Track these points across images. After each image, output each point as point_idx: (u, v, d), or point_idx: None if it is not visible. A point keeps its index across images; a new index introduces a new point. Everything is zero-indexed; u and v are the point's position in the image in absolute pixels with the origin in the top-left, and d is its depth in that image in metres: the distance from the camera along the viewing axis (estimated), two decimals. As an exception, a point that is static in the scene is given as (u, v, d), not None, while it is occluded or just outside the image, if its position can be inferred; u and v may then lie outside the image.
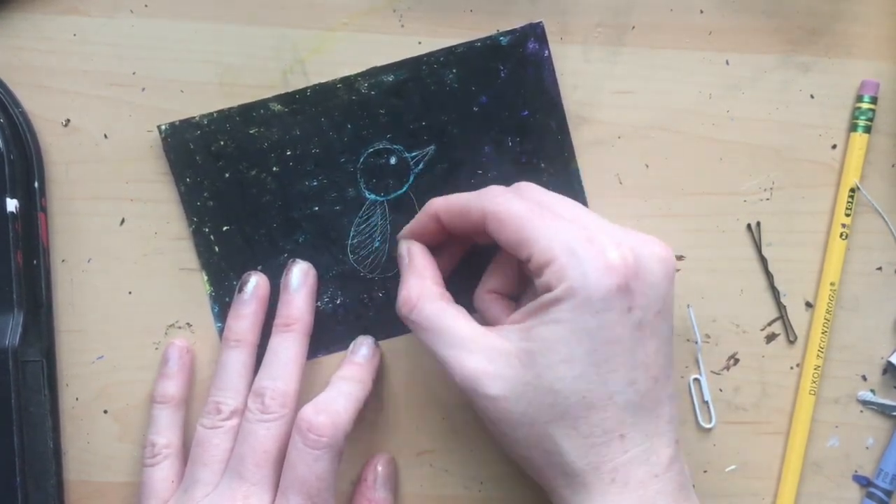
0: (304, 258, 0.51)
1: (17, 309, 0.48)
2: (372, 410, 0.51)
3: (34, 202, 0.49)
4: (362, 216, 0.51)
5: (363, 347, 0.50)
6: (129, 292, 0.51)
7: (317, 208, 0.51)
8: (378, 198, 0.51)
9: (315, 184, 0.51)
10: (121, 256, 0.51)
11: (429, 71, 0.51)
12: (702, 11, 0.51)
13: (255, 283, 0.50)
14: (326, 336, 0.51)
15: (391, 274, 0.51)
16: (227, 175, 0.51)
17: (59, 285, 0.51)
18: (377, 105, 0.51)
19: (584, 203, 0.51)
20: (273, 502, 0.46)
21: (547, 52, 0.51)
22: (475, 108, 0.51)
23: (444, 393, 0.51)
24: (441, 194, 0.48)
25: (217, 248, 0.51)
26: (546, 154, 0.51)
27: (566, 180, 0.51)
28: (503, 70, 0.51)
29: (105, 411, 0.51)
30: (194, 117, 0.50)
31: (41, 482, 0.49)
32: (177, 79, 0.51)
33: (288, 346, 0.48)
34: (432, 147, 0.51)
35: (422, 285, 0.47)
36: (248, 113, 0.50)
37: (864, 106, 0.51)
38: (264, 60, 0.51)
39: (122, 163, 0.51)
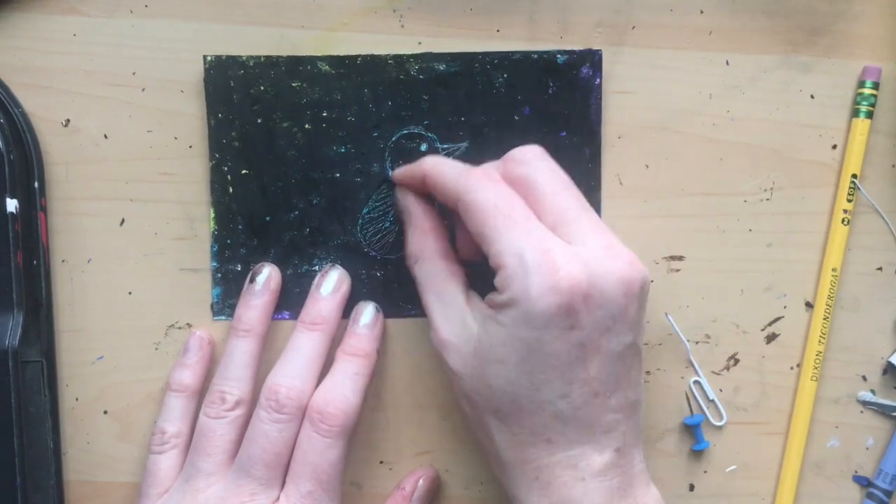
0: (314, 219, 0.51)
1: (17, 309, 0.48)
2: (372, 410, 0.51)
3: (34, 202, 0.49)
4: (380, 193, 0.51)
5: (365, 315, 0.50)
6: (129, 292, 0.51)
7: (338, 175, 0.51)
8: None
9: (343, 150, 0.51)
10: (121, 256, 0.51)
11: (481, 69, 0.51)
12: (702, 11, 0.51)
13: (268, 274, 0.50)
14: None
15: (394, 257, 0.51)
16: (259, 121, 0.51)
17: (59, 285, 0.51)
18: (422, 90, 0.51)
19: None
20: (278, 498, 0.46)
21: (599, 80, 0.51)
22: (516, 117, 0.51)
23: (445, 393, 0.51)
24: None
25: (231, 189, 0.51)
26: (574, 179, 0.50)
27: None
28: (552, 87, 0.51)
29: (105, 411, 0.51)
30: (241, 56, 0.50)
31: (41, 482, 0.49)
32: (177, 79, 0.51)
33: (312, 346, 0.48)
34: (465, 143, 0.51)
35: (422, 240, 0.48)
36: (295, 65, 0.50)
37: (867, 91, 0.51)
38: (264, 60, 0.51)
39: (122, 163, 0.51)
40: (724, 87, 0.52)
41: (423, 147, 0.51)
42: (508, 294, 0.43)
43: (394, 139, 0.51)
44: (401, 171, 0.50)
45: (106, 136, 0.51)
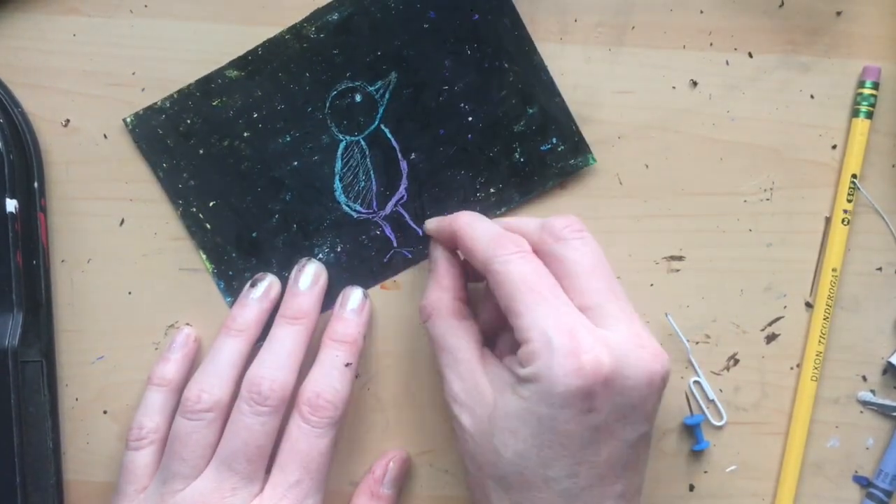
0: (295, 214, 0.51)
1: (16, 309, 0.48)
2: (372, 410, 0.51)
3: (34, 202, 0.49)
4: (342, 159, 0.51)
5: (352, 300, 0.50)
6: (129, 292, 0.51)
7: (296, 163, 0.51)
8: (352, 138, 0.51)
9: (288, 139, 0.51)
10: (121, 256, 0.51)
11: (370, 0, 0.50)
12: (702, 11, 0.51)
13: (269, 283, 0.50)
14: (334, 286, 0.51)
15: (385, 211, 0.51)
16: (200, 152, 0.51)
17: (59, 285, 0.51)
18: (329, 46, 0.50)
19: (556, 92, 0.51)
20: (261, 490, 0.46)
21: None
22: (426, 25, 0.50)
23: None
24: (413, 119, 0.49)
25: (209, 225, 0.51)
26: (507, 53, 0.50)
27: (533, 75, 0.51)
28: None
29: (105, 411, 0.51)
30: (156, 103, 0.50)
31: (41, 482, 0.49)
32: (177, 79, 0.51)
33: (293, 339, 0.48)
34: (393, 74, 0.51)
35: (438, 298, 0.47)
36: (207, 85, 0.50)
37: (866, 91, 0.51)
38: (264, 60, 0.51)
39: (122, 163, 0.51)
40: (724, 87, 0.52)
41: (358, 97, 0.51)
42: (531, 369, 0.42)
43: (328, 105, 0.51)
44: (433, 223, 0.49)
45: (106, 136, 0.51)
